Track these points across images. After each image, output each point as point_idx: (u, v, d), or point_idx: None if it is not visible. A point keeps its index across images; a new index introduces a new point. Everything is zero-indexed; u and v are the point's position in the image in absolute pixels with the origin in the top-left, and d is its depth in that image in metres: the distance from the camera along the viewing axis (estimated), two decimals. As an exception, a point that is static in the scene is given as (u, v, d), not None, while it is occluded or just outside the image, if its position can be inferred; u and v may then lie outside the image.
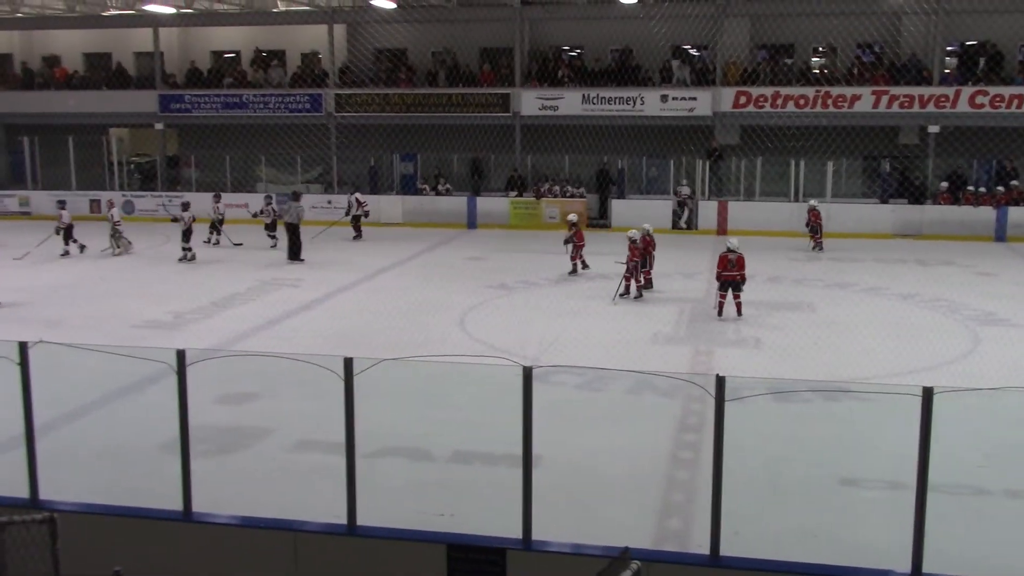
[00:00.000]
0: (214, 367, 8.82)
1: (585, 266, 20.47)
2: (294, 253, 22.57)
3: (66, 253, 23.31)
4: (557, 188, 28.96)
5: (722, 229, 26.53)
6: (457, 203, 29.05)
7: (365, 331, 15.78)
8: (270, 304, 18.06)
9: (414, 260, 23.10)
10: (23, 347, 7.13)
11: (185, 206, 23.42)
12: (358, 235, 26.22)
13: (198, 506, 7.57)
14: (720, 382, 6.35)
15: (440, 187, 29.79)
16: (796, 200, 27.20)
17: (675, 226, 27.41)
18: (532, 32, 30.87)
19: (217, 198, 25.52)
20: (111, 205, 24.83)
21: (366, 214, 26.63)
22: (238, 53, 34.17)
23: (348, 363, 6.53)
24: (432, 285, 19.68)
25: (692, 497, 9.04)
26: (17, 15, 32.03)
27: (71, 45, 35.21)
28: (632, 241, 18.08)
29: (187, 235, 22.78)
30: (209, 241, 24.79)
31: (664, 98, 28.76)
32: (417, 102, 30.51)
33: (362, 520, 7.28)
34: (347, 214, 26.45)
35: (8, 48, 34.98)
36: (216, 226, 24.97)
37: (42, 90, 33.76)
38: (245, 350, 13.08)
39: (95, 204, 30.98)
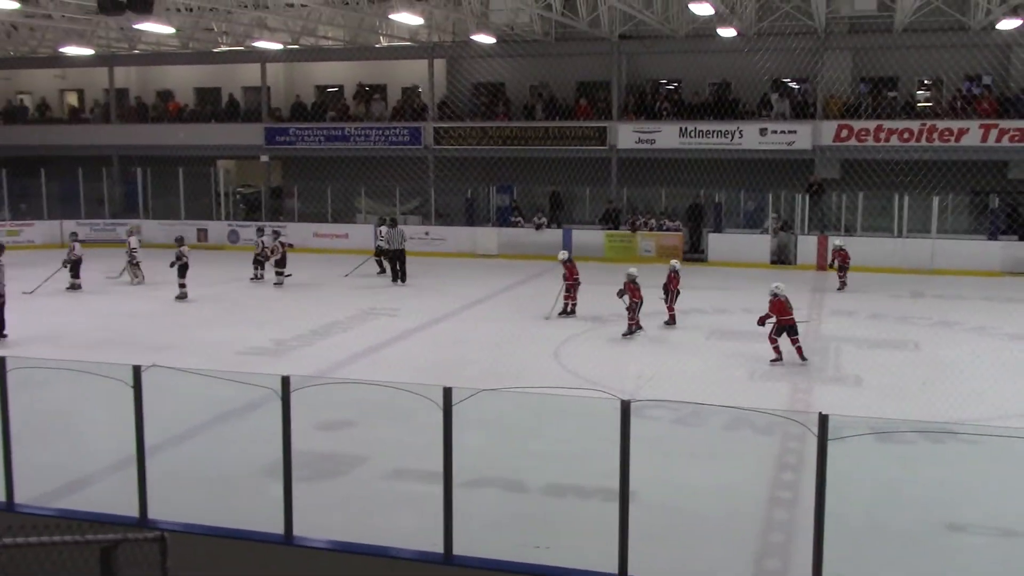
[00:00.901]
0: (314, 394, 9.01)
1: (573, 310, 19.64)
2: (401, 276, 23.82)
3: (73, 286, 22.84)
4: (652, 221, 28.86)
5: (821, 265, 26.04)
6: (552, 235, 29.17)
7: (460, 361, 15.92)
8: (368, 333, 18.37)
9: (509, 292, 23.24)
10: (137, 371, 7.40)
11: (260, 231, 24.17)
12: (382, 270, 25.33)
13: (297, 530, 7.72)
14: (823, 420, 6.23)
15: (536, 219, 29.96)
16: (900, 236, 26.57)
17: (773, 261, 27.03)
18: (629, 66, 30.94)
19: (260, 232, 25.37)
20: (130, 234, 24.90)
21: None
22: (341, 87, 35.08)
23: (447, 393, 6.62)
24: (527, 317, 19.76)
25: (791, 538, 8.85)
26: (134, 52, 33.45)
27: (183, 80, 36.64)
28: (631, 280, 17.75)
29: (281, 262, 23.40)
30: (255, 277, 24.46)
31: (763, 131, 28.48)
32: (514, 135, 30.83)
33: (457, 550, 7.33)
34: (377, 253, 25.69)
35: (125, 83, 36.54)
36: (260, 260, 24.52)
37: (155, 123, 35.19)
38: (346, 378, 13.29)
39: (202, 233, 32.06)
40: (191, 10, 26.13)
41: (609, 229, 29.15)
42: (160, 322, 19.45)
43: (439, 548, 7.44)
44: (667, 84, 31.77)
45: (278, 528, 7.85)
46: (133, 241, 24.30)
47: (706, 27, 26.69)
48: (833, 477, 6.32)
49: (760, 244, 27.25)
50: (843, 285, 23.11)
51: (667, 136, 29.29)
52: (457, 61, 32.58)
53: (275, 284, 23.83)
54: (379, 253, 25.10)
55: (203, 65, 35.33)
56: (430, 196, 31.44)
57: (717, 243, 27.82)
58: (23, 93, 38.71)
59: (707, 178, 28.31)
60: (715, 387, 14.12)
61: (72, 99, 38.92)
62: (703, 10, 22.03)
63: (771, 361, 15.71)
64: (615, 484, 6.79)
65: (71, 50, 31.39)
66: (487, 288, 23.45)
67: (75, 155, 33.87)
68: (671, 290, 18.74)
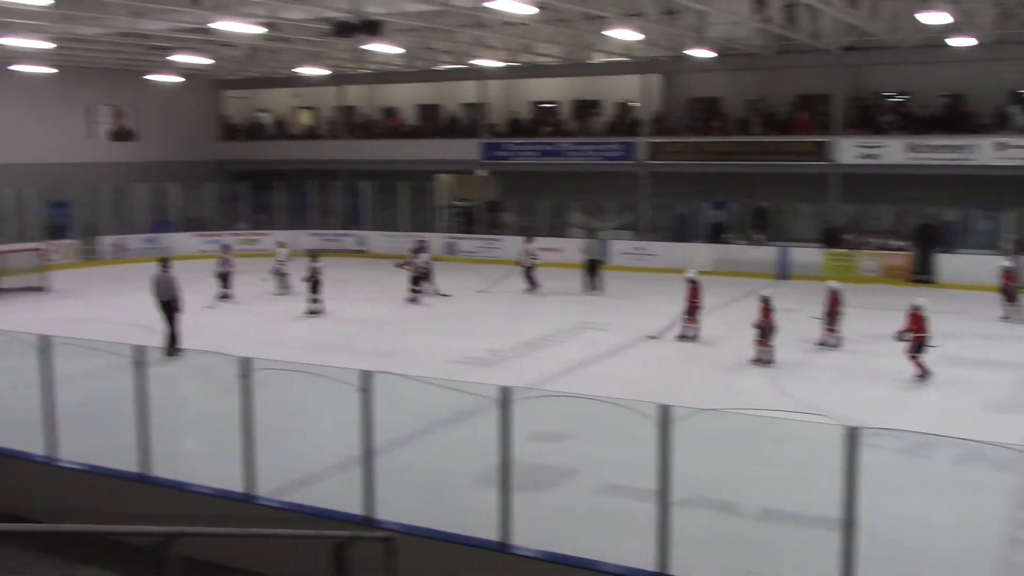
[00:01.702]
0: (527, 405, 9.15)
1: (695, 336, 19.02)
2: (597, 285, 24.53)
3: (225, 296, 23.53)
4: (875, 240, 27.54)
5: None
6: (768, 253, 28.39)
7: (672, 379, 15.76)
8: (580, 347, 18.49)
9: (722, 310, 22.75)
10: (367, 376, 7.74)
11: (421, 246, 23.90)
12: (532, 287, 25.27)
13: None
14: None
15: (753, 236, 29.24)
16: None
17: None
18: (852, 78, 29.73)
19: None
20: (280, 245, 25.00)
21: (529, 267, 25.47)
22: (556, 103, 35.56)
23: (665, 410, 6.56)
24: (741, 336, 19.28)
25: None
26: (363, 71, 35.17)
27: (407, 97, 38.23)
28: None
29: (418, 279, 23.19)
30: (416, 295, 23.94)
31: (1000, 146, 26.66)
32: (730, 150, 30.26)
33: (671, 568, 7.24)
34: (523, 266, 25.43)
35: (354, 101, 38.50)
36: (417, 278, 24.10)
37: (380, 139, 36.86)
38: (564, 391, 13.34)
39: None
40: (415, 31, 27.20)
41: (827, 247, 28.06)
42: (379, 329, 20.30)
43: (650, 565, 7.38)
44: (893, 97, 30.31)
45: (490, 534, 8.01)
46: (283, 253, 24.67)
47: (937, 36, 25.27)
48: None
49: (995, 266, 25.47)
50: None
51: (893, 151, 27.92)
52: (672, 76, 32.34)
53: (409, 301, 23.40)
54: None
55: (425, 83, 36.72)
56: (642, 211, 31.31)
57: (948, 264, 26.24)
58: (262, 111, 41.50)
59: (935, 195, 26.78)
60: (945, 417, 13.36)
61: (305, 117, 41.39)
62: (937, 19, 20.85)
63: (917, 377, 15.60)
64: (835, 513, 6.53)
65: (306, 71, 33.39)
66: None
67: (307, 169, 36.00)
68: (833, 312, 18.01)
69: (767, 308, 16.96)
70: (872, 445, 11.19)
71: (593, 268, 25.46)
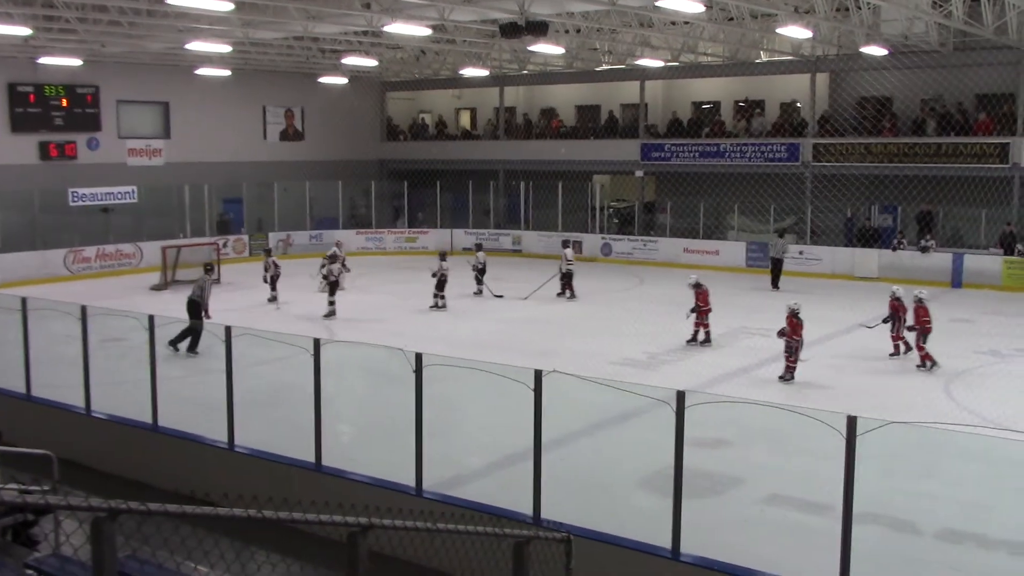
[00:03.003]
0: (689, 410, 8.95)
1: (707, 338, 18.72)
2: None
3: (274, 299, 23.27)
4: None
5: None
6: (941, 260, 27.06)
7: (841, 388, 15.18)
8: (741, 351, 18.08)
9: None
10: (538, 375, 7.73)
11: (443, 256, 23.19)
12: (568, 295, 24.44)
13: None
14: None
15: (924, 241, 27.95)
16: None
17: None
18: (1040, 76, 28.01)
19: (443, 257, 23.30)
20: (338, 245, 24.53)
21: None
22: (717, 103, 34.92)
23: (852, 422, 6.27)
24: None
25: None
26: (523, 72, 35.44)
27: (566, 98, 38.30)
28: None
29: (441, 285, 22.50)
30: (480, 291, 24.34)
31: None
32: (901, 152, 28.99)
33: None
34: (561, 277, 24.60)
35: (513, 101, 38.86)
36: (478, 275, 24.43)
37: (539, 139, 37.06)
38: (742, 397, 12.99)
39: (577, 245, 33.23)
40: (579, 31, 27.20)
41: (1006, 255, 26.54)
42: (534, 329, 20.37)
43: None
44: (1085, 95, 28.39)
45: (655, 539, 7.88)
46: (338, 251, 23.51)
47: None
48: None
49: None
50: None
51: (1086, 153, 26.18)
52: (841, 75, 31.25)
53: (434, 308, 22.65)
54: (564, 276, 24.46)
55: (585, 84, 36.68)
56: (806, 214, 30.39)
57: None
58: (424, 112, 42.39)
59: None
60: None
61: (466, 117, 42.04)
62: None
63: (929, 367, 16.24)
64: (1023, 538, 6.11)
65: (468, 72, 33.89)
66: (867, 312, 22.16)
67: (466, 169, 36.51)
68: (900, 317, 17.25)
69: (795, 321, 15.78)
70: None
71: (777, 268, 26.19)
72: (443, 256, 23.25)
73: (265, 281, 23.90)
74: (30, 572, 5.85)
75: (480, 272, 24.58)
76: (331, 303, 21.69)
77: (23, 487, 7.17)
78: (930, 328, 16.46)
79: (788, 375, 15.76)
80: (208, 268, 20.11)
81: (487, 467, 11.59)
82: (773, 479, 10.94)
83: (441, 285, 22.58)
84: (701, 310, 18.69)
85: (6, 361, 13.84)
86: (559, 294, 24.43)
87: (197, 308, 18.12)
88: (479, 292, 24.50)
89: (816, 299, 23.91)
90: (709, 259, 30.38)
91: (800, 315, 15.87)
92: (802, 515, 10.03)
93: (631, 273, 29.35)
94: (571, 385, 9.68)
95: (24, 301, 13.13)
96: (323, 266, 22.67)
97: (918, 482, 10.56)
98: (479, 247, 25.66)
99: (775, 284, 25.91)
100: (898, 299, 17.35)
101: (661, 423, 8.26)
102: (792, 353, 15.76)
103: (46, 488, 7.74)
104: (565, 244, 25.70)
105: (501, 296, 24.19)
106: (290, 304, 23.03)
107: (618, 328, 20.44)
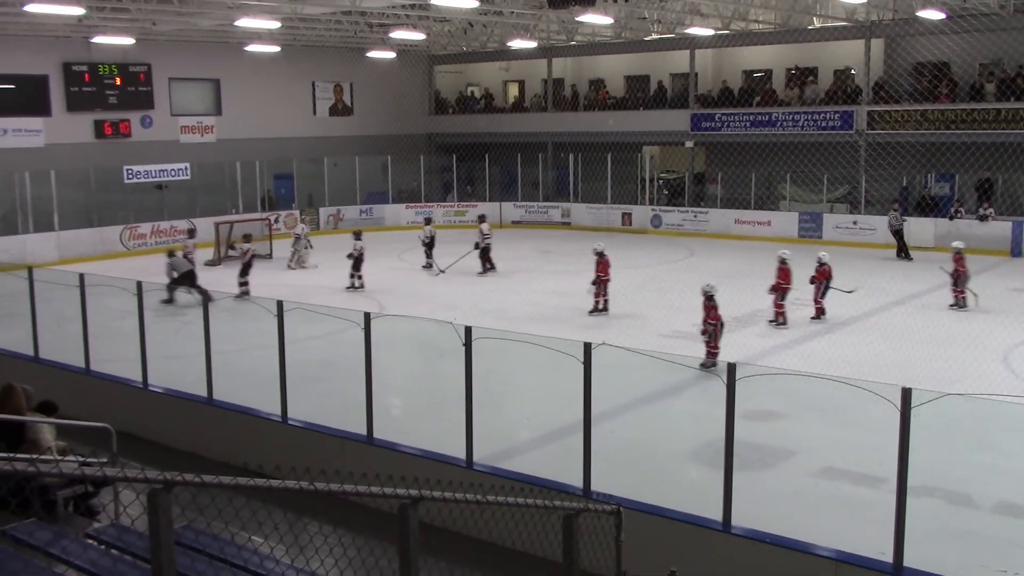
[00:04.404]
0: (742, 383, 8.88)
1: (605, 307, 19.17)
2: (904, 254, 25.97)
3: (352, 285, 22.54)
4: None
5: None
6: (1000, 228, 26.49)
7: (893, 360, 14.97)
8: (793, 324, 17.88)
9: (946, 288, 21.46)
10: (587, 347, 7.72)
11: (428, 221, 25.04)
12: (488, 268, 24.28)
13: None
14: None
15: (982, 210, 27.37)
16: None
17: None
18: (1105, 38, 27.17)
19: (428, 221, 25.51)
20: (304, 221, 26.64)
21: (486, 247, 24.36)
22: (769, 71, 34.39)
23: (907, 394, 6.19)
24: (968, 316, 18.16)
25: None
26: (571, 43, 35.17)
27: (614, 69, 37.96)
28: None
29: (358, 263, 22.41)
30: (429, 264, 24.56)
31: None
32: (959, 118, 28.36)
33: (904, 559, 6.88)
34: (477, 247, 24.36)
35: (561, 73, 38.58)
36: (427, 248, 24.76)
37: (587, 111, 36.81)
38: (795, 370, 12.86)
39: (627, 217, 33.10)
40: (627, 0, 26.91)
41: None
42: (583, 301, 20.30)
43: (871, 553, 7.04)
44: None
45: (705, 512, 7.86)
46: (299, 228, 26.65)
47: None
48: None
49: None
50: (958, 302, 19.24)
51: None
52: (897, 40, 30.58)
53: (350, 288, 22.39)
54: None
55: (633, 54, 36.31)
56: (860, 183, 29.90)
57: None
58: (472, 85, 42.29)
59: None
60: None
61: (513, 90, 41.87)
62: None
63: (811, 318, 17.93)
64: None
65: (516, 44, 33.71)
66: (921, 283, 21.83)
67: (514, 142, 36.40)
68: (820, 281, 18.28)
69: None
70: None
71: (900, 238, 26.12)
72: (357, 235, 22.96)
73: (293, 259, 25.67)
74: (90, 542, 6.00)
75: (428, 246, 24.73)
76: (359, 276, 22.39)
77: (83, 459, 7.34)
78: (787, 288, 17.74)
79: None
80: (247, 238, 22.73)
81: (537, 440, 11.63)
82: (825, 451, 10.85)
83: (357, 264, 22.39)
84: (601, 280, 18.95)
85: (66, 336, 14.16)
86: (480, 273, 24.04)
87: (191, 276, 20.63)
88: (428, 266, 24.62)
89: (871, 269, 23.59)
90: (761, 230, 30.07)
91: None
92: (855, 488, 9.94)
93: (681, 245, 29.14)
94: (621, 357, 9.65)
95: (82, 277, 13.38)
96: (296, 241, 25.89)
97: (974, 455, 10.41)
98: (428, 221, 25.78)
99: (907, 254, 25.91)
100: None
101: (711, 395, 8.23)
102: (712, 339, 15.12)
103: (104, 460, 7.91)
104: (481, 219, 25.13)
105: (443, 272, 24.01)
106: (332, 279, 23.19)
107: (668, 300, 20.31)
